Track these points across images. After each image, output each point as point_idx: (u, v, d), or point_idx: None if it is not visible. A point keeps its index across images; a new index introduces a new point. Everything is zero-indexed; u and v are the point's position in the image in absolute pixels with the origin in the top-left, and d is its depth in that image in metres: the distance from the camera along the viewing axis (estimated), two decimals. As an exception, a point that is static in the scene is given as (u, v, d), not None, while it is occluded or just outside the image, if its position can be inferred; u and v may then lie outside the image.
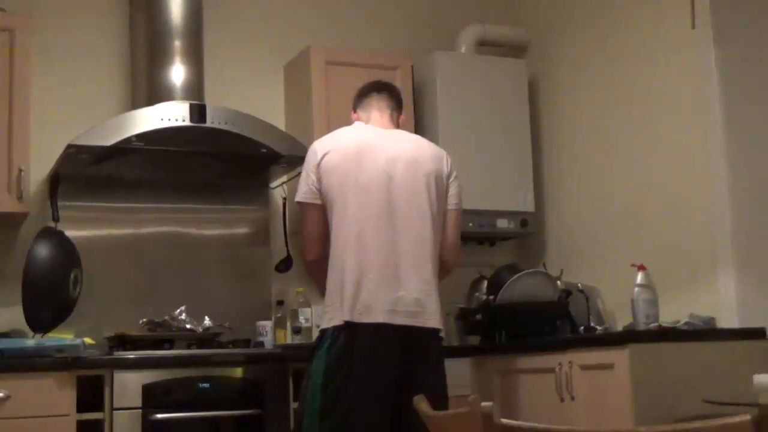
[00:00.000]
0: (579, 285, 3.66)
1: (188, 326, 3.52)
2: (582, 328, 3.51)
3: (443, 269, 2.98)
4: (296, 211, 3.37)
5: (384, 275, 2.80)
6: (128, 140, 3.25)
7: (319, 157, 2.85)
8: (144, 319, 3.49)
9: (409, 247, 2.85)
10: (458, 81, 3.95)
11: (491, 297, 3.65)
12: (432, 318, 2.80)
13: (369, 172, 2.86)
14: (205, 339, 3.51)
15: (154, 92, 3.64)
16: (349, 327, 2.72)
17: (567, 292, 3.61)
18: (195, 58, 3.75)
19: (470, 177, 3.66)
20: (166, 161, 3.68)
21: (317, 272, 2.98)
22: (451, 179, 3.02)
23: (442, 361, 2.87)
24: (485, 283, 3.81)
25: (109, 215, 3.80)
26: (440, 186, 2.96)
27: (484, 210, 3.84)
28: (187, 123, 3.33)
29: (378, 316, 2.71)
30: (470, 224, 3.75)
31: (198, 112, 3.36)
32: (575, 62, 3.97)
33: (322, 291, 2.97)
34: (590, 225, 3.91)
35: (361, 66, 3.82)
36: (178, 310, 3.57)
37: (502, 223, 3.92)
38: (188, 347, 3.46)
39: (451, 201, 3.01)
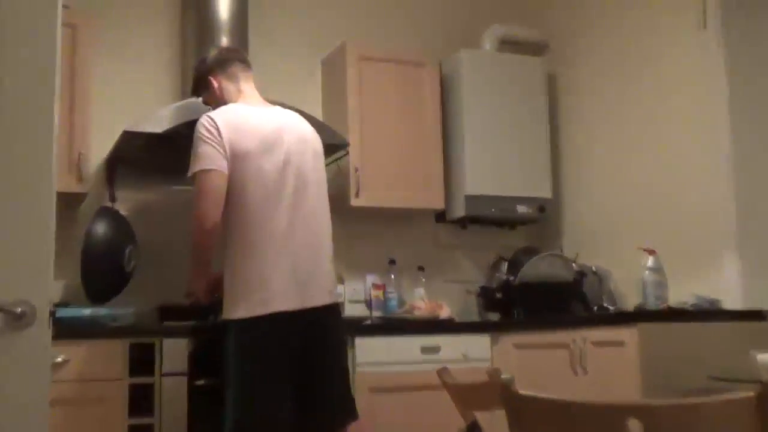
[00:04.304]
0: (593, 267, 3.70)
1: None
2: (595, 307, 3.58)
3: None
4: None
5: None
6: (177, 128, 3.10)
7: None
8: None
9: None
10: (482, 76, 3.96)
11: (511, 277, 3.68)
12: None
13: None
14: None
15: (202, 85, 3.61)
16: None
17: (581, 274, 3.65)
18: (239, 54, 3.70)
19: (492, 165, 3.87)
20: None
21: None
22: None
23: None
24: (505, 264, 3.83)
25: (161, 197, 3.71)
26: None
27: (506, 196, 3.90)
28: (232, 114, 3.22)
29: None
30: (492, 209, 3.84)
31: (242, 104, 3.21)
32: (592, 61, 4.02)
33: None
34: (604, 211, 3.92)
35: (392, 62, 3.86)
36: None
37: (522, 209, 3.92)
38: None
39: None
